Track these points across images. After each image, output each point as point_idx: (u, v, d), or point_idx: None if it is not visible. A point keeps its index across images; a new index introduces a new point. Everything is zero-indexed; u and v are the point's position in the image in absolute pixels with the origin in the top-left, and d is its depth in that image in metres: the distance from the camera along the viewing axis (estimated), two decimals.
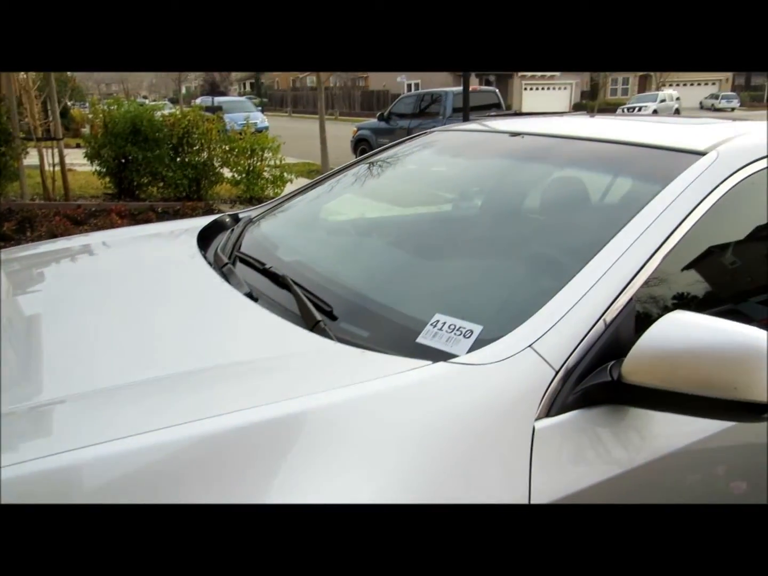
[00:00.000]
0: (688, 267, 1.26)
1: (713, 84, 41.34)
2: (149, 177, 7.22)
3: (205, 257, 1.63)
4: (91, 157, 7.27)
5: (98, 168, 7.31)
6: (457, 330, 1.07)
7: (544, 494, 0.91)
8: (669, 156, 1.36)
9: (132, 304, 1.38)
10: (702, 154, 1.30)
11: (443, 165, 2.03)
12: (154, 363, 1.09)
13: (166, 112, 7.49)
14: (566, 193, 1.63)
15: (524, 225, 1.58)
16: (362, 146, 12.81)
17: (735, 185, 1.26)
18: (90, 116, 7.85)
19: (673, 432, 1.06)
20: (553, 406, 0.96)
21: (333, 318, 1.21)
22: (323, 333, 1.12)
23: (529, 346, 0.99)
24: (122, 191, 7.34)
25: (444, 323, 1.09)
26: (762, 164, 1.32)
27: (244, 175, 7.42)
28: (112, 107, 7.27)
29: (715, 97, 37.28)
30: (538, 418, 0.94)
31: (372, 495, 0.81)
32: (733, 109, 35.36)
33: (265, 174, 7.51)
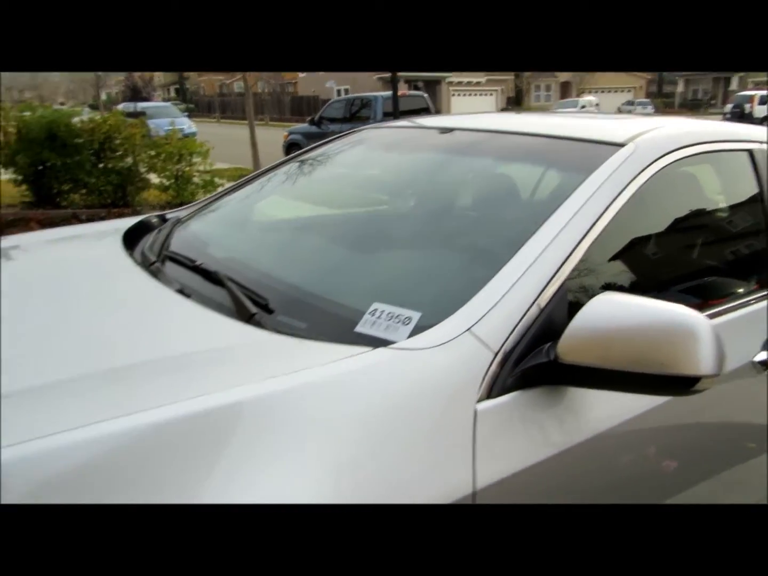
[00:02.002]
0: (614, 255, 1.30)
1: (629, 91, 43.58)
2: (70, 184, 6.87)
3: (131, 257, 1.56)
4: (5, 164, 6.84)
5: (13, 176, 6.91)
6: (396, 317, 1.06)
7: (487, 475, 0.92)
8: (591, 148, 1.41)
9: (60, 304, 1.30)
10: (621, 145, 1.35)
11: (376, 161, 2.03)
12: (84, 360, 1.03)
13: (84, 117, 7.16)
14: (496, 185, 1.66)
15: (458, 217, 1.60)
16: (294, 150, 12.69)
17: (653, 175, 1.31)
18: (2, 123, 7.42)
19: (608, 410, 1.10)
20: (494, 388, 0.97)
21: (269, 311, 1.18)
22: (259, 325, 1.10)
23: (468, 329, 0.99)
24: (41, 199, 6.96)
25: (382, 311, 1.08)
26: (677, 155, 1.39)
27: (172, 181, 7.20)
28: (24, 113, 6.89)
29: (631, 103, 39.28)
30: (479, 400, 0.95)
31: (310, 483, 0.79)
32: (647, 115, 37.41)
33: (195, 179, 7.31)
